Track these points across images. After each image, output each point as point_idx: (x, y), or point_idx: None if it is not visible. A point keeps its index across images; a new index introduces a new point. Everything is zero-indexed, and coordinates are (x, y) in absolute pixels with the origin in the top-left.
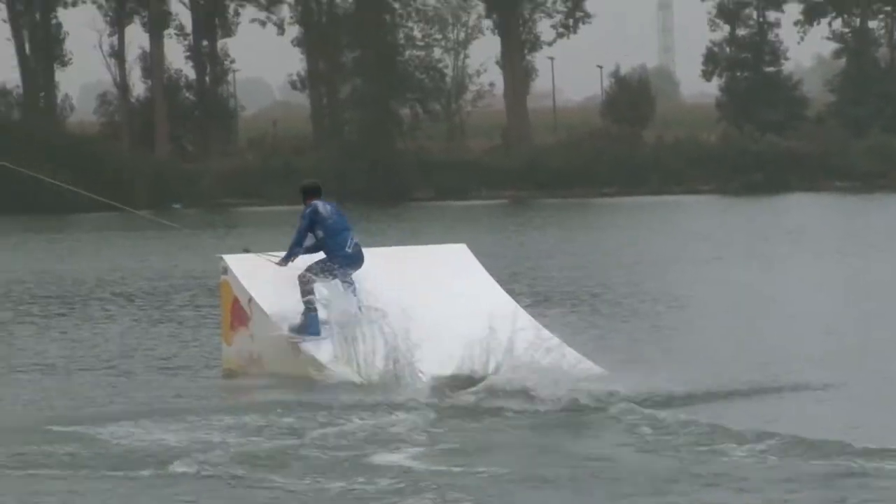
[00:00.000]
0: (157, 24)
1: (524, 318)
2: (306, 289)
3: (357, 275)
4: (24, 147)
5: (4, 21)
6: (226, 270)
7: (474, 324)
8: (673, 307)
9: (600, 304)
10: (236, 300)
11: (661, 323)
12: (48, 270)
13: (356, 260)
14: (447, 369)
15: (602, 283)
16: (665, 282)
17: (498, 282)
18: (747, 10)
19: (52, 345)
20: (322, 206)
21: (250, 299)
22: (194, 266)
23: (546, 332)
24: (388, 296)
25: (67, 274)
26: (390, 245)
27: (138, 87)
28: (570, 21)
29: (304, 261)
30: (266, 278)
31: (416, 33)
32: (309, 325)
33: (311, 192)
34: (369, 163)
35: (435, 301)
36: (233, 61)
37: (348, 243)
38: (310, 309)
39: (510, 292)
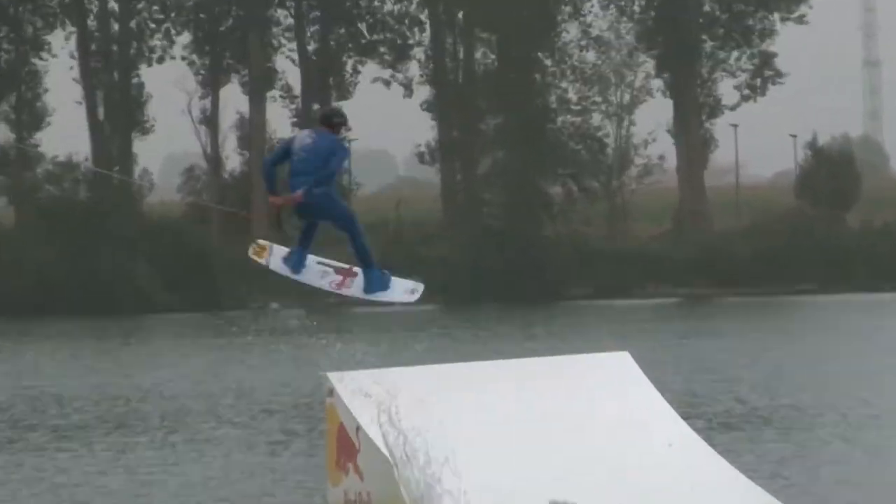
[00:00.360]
0: (259, 84)
1: (702, 449)
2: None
3: (485, 392)
4: (93, 232)
5: (75, 81)
6: (331, 392)
7: (640, 456)
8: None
9: (796, 431)
10: (342, 428)
11: (871, 462)
12: (122, 383)
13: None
14: None
15: (796, 406)
16: (879, 406)
17: (668, 400)
18: None
19: (117, 478)
20: (301, 136)
21: (358, 427)
22: (301, 382)
23: (732, 470)
24: (525, 417)
25: (147, 388)
26: (535, 355)
27: (233, 159)
28: (758, 81)
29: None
30: (379, 398)
31: (571, 95)
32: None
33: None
34: (512, 252)
35: (588, 425)
36: (349, 129)
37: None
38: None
39: (684, 415)
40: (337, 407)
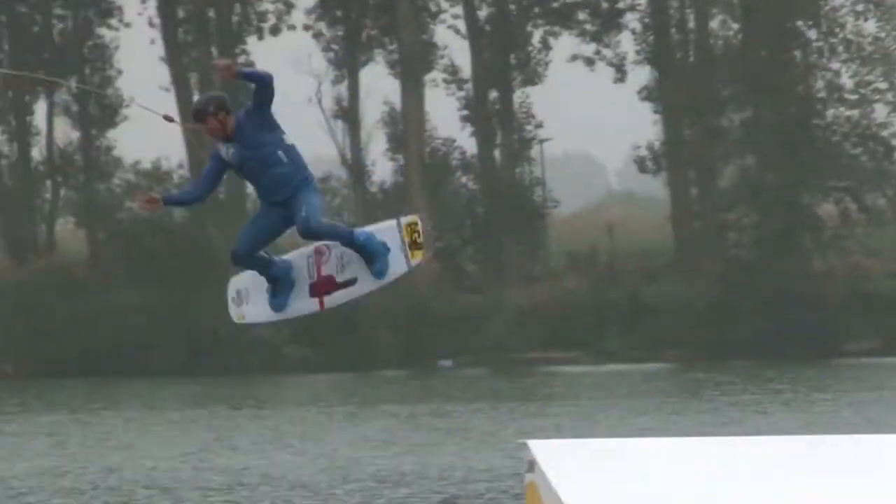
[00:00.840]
0: (414, 64)
1: None
2: None
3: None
4: (193, 265)
5: (161, 60)
6: (532, 466)
7: None
8: None
9: None
10: None
11: None
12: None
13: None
14: None
15: None
16: None
17: None
18: None
19: None
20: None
21: None
22: (488, 458)
23: None
24: None
25: (285, 469)
26: (809, 431)
27: (381, 165)
28: None
29: None
30: (593, 478)
31: (845, 79)
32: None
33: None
34: (769, 293)
35: None
36: (539, 125)
37: None
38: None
39: None
40: (539, 485)
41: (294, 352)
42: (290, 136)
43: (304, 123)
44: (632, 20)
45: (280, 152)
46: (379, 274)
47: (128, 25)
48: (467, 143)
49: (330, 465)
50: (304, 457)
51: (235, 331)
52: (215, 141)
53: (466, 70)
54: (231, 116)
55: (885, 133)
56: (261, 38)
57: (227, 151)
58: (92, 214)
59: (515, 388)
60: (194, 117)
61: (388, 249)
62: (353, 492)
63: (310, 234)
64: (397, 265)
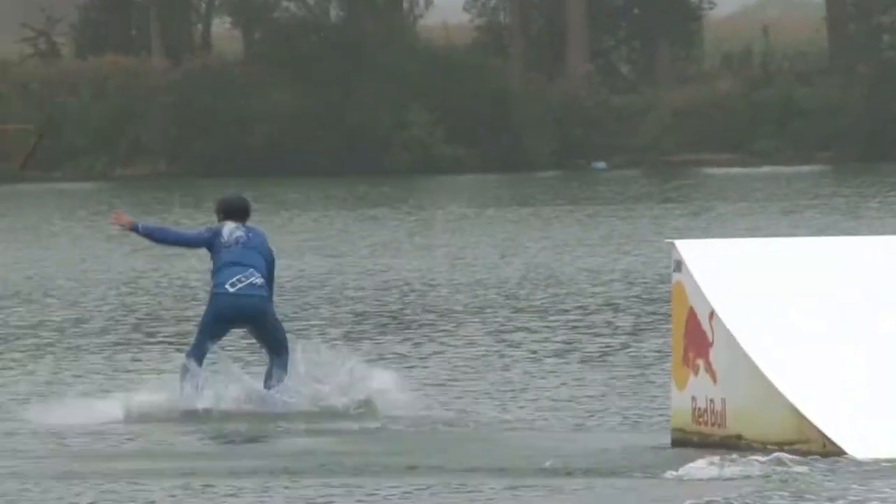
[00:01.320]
0: None
1: None
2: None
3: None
4: (350, 66)
5: None
6: (679, 265)
7: None
8: None
9: None
10: (693, 314)
11: None
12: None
13: (239, 307)
14: None
15: None
16: None
17: None
18: None
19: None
20: (228, 231)
21: (712, 314)
22: (636, 259)
23: None
24: None
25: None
26: None
27: None
28: None
29: None
30: (740, 277)
31: None
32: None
33: (228, 212)
34: None
35: None
36: None
37: (235, 279)
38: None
39: None
40: (686, 285)
41: (448, 151)
42: None
43: None
44: None
45: None
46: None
47: None
48: None
49: (481, 263)
50: (460, 258)
51: (389, 130)
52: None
53: None
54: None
55: None
56: None
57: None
58: (248, 14)
59: (667, 189)
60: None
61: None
62: (504, 289)
63: None
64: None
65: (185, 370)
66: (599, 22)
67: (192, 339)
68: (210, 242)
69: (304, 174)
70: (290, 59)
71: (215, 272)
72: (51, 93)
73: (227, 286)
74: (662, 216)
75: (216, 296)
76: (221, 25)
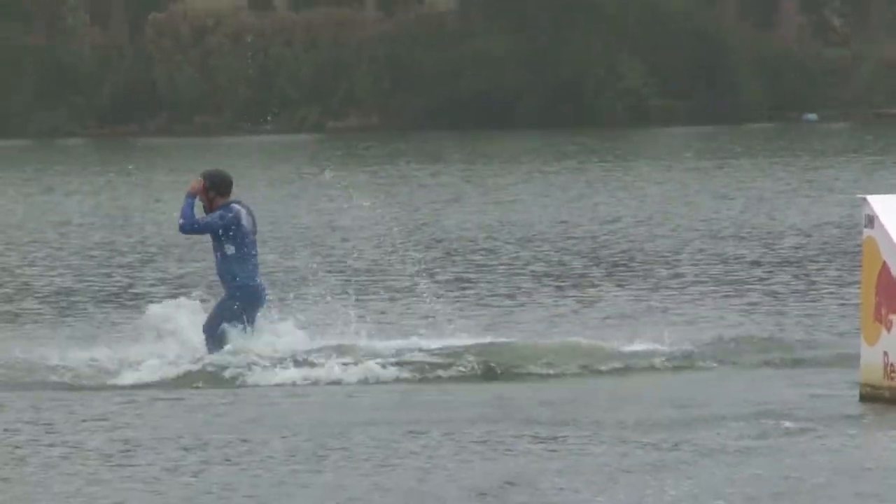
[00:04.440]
0: None
1: None
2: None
3: None
4: (563, 15)
5: None
6: (871, 221)
7: None
8: None
9: None
10: (885, 269)
11: None
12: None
13: (262, 300)
14: None
15: None
16: None
17: None
18: None
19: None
20: (245, 215)
21: None
22: (827, 210)
23: None
24: None
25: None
26: None
27: None
28: None
29: None
30: None
31: None
32: None
33: (225, 190)
34: None
35: None
36: None
37: (258, 271)
38: None
39: None
40: (879, 241)
41: (660, 103)
42: None
43: None
44: None
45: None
46: None
47: None
48: None
49: (680, 214)
50: (667, 208)
51: (601, 81)
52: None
53: None
54: (221, 199)
55: None
56: None
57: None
58: None
59: (879, 141)
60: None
61: None
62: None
63: None
64: None
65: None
66: None
67: (212, 335)
68: (231, 228)
69: (516, 125)
70: (503, 9)
71: (241, 262)
72: (264, 44)
73: (257, 279)
74: (870, 169)
75: (249, 289)
76: None
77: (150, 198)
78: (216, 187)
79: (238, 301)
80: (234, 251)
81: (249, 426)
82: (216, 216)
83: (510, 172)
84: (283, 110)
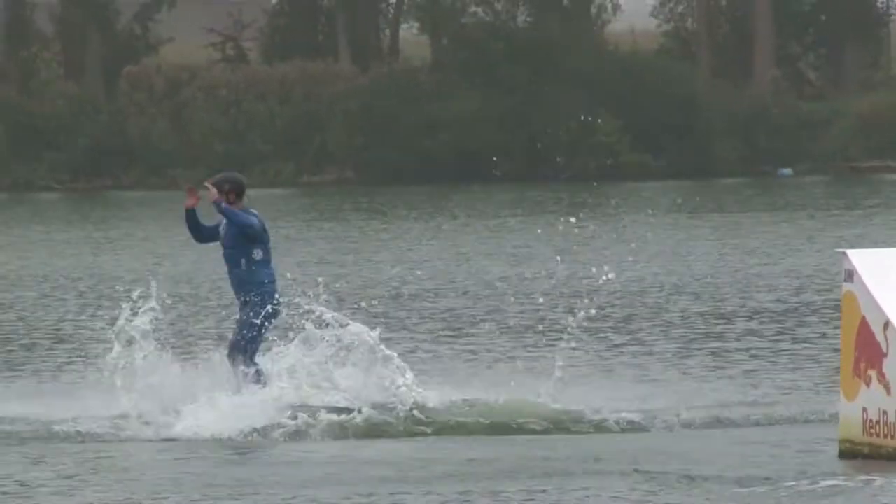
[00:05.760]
0: None
1: None
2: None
3: None
4: (536, 71)
5: None
6: (850, 275)
7: None
8: None
9: None
10: (864, 324)
11: None
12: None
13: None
14: None
15: None
16: None
17: None
18: None
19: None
20: (264, 224)
21: (887, 324)
22: (806, 266)
23: None
24: None
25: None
26: None
27: None
28: None
29: None
30: None
31: None
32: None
33: (243, 191)
34: None
35: None
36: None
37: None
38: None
39: None
40: (858, 295)
41: (634, 158)
42: None
43: None
44: None
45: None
46: None
47: None
48: None
49: (663, 270)
50: (647, 262)
51: (575, 136)
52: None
53: None
54: (239, 201)
55: None
56: None
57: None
58: (436, 19)
59: (854, 195)
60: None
61: None
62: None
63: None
64: None
65: (257, 376)
66: (786, 28)
67: (245, 347)
68: (264, 231)
69: (490, 180)
70: (477, 65)
71: (267, 266)
72: (238, 98)
73: (276, 285)
74: (846, 223)
75: (274, 294)
76: (409, 31)
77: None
78: (236, 189)
79: (263, 306)
80: (262, 256)
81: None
82: (253, 218)
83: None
84: (258, 164)
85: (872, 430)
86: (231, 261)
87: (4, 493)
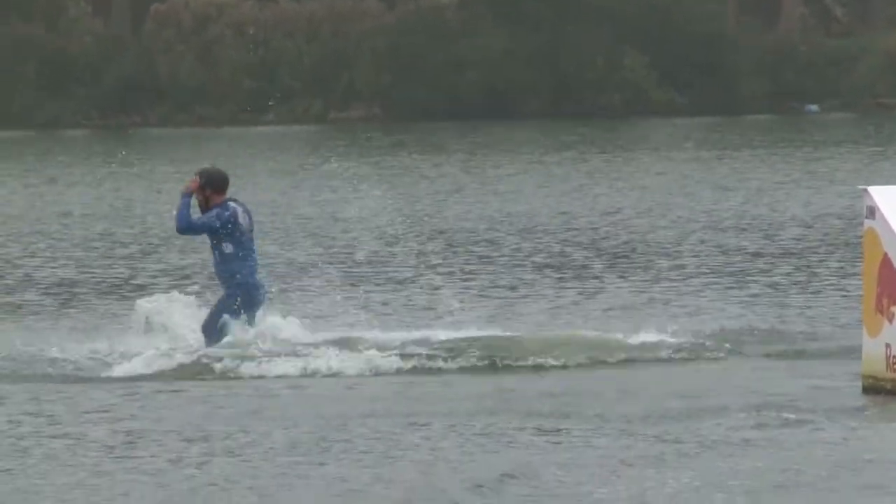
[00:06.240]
0: None
1: None
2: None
3: None
4: (564, 9)
5: None
6: (872, 212)
7: None
8: None
9: None
10: (886, 260)
11: None
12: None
13: (262, 298)
14: None
15: None
16: None
17: None
18: None
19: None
20: (241, 213)
21: None
22: (828, 202)
23: None
24: None
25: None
26: None
27: None
28: None
29: None
30: None
31: None
32: None
33: (221, 187)
34: None
35: None
36: None
37: (257, 269)
38: None
39: None
40: (880, 232)
41: (661, 95)
42: None
43: None
44: None
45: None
46: None
47: None
48: None
49: (682, 205)
50: (668, 198)
51: (602, 73)
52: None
53: None
54: (217, 196)
55: None
56: None
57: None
58: None
59: (881, 132)
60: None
61: None
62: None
63: None
64: None
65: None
66: None
67: (212, 334)
68: (228, 226)
69: (517, 117)
70: (504, 2)
71: (240, 260)
72: (266, 36)
73: (256, 276)
74: (871, 160)
75: (249, 286)
76: None
77: (151, 189)
78: (212, 184)
79: (238, 298)
80: (231, 249)
81: (250, 418)
82: (213, 215)
83: (511, 163)
84: (285, 101)
85: (892, 367)
86: (211, 249)
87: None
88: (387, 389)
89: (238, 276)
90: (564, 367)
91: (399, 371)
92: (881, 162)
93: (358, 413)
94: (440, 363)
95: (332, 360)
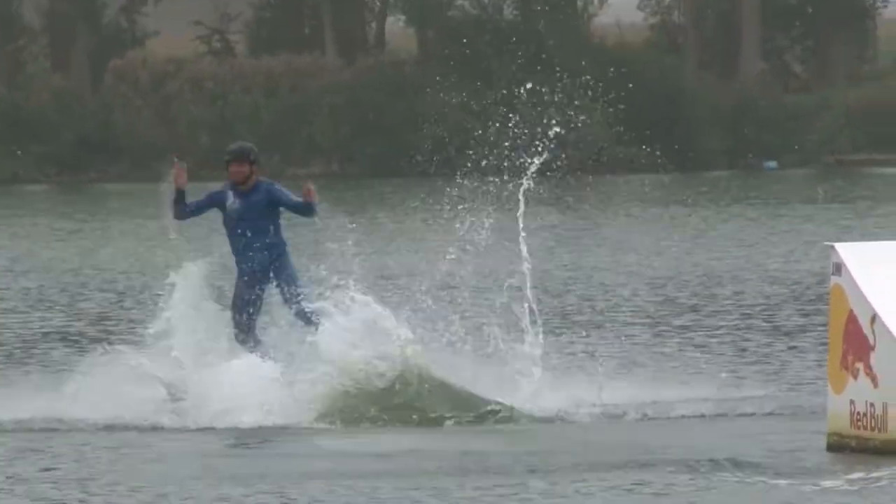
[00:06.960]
0: None
1: None
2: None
3: None
4: (523, 63)
5: None
6: (839, 268)
7: None
8: None
9: None
10: (852, 317)
11: None
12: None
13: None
14: None
15: None
16: None
17: None
18: None
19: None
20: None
21: (874, 317)
22: (794, 261)
23: None
24: None
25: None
26: None
27: None
28: None
29: None
30: None
31: None
32: None
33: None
34: None
35: None
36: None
37: None
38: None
39: None
40: (846, 289)
41: (620, 151)
42: None
43: None
44: None
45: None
46: None
47: None
48: None
49: (650, 262)
50: (635, 254)
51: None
52: (227, 185)
53: None
54: (257, 170)
55: None
56: None
57: (232, 201)
58: (423, 12)
59: (839, 189)
60: (237, 156)
61: None
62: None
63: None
64: None
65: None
66: (773, 21)
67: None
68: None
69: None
70: (464, 59)
71: (227, 239)
72: (224, 91)
73: (241, 257)
74: (831, 217)
75: (238, 268)
76: (395, 24)
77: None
78: (258, 160)
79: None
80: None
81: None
82: (286, 191)
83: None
84: None
85: (860, 423)
86: (259, 226)
87: None
88: None
89: (288, 243)
90: None
91: None
92: (842, 220)
93: None
94: None
95: None
